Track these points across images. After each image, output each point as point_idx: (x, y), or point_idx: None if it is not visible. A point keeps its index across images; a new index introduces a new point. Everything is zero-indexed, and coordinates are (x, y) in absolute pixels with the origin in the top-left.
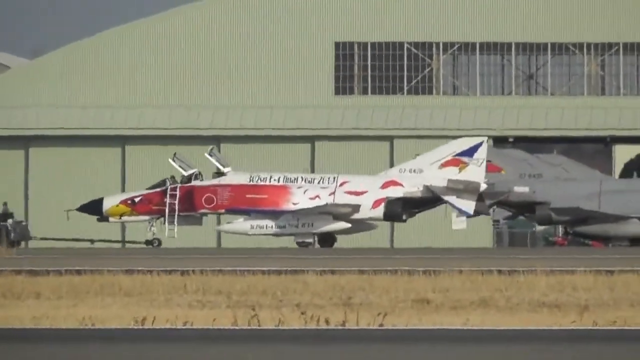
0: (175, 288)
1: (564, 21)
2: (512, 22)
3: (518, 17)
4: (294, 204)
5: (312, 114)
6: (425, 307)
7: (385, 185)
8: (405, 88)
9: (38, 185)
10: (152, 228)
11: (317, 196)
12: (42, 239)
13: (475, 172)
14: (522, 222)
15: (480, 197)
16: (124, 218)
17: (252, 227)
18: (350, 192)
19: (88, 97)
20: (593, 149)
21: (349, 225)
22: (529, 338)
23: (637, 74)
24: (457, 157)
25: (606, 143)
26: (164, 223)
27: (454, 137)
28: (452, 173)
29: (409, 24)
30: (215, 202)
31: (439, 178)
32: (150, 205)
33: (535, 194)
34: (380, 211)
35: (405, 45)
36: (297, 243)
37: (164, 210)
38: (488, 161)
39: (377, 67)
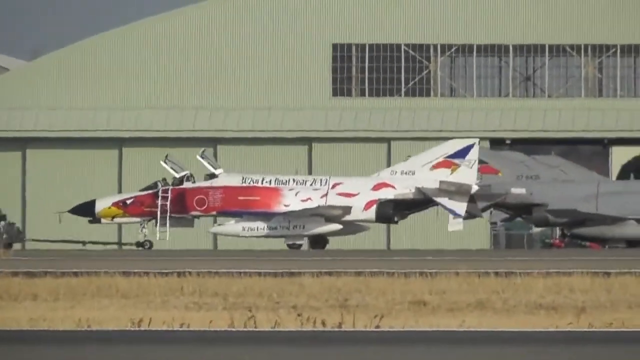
0: (172, 290)
1: (561, 23)
2: (509, 24)
3: (515, 20)
4: (285, 205)
5: (310, 115)
6: (421, 309)
7: (377, 187)
8: (403, 90)
9: (35, 187)
10: (144, 230)
11: (309, 198)
12: (32, 240)
13: (467, 174)
14: (519, 224)
15: (472, 199)
16: (116, 220)
17: (243, 229)
18: (342, 194)
19: (85, 99)
20: (590, 151)
21: (341, 227)
22: (525, 340)
23: (634, 76)
24: (448, 159)
25: (603, 145)
26: (156, 225)
27: (452, 139)
28: (444, 175)
29: (406, 26)
30: (206, 204)
31: (430, 180)
32: (142, 207)
33: (533, 196)
34: (371, 213)
35: (403, 47)
36: (288, 245)
37: (156, 212)
38: (485, 163)
39: (375, 69)
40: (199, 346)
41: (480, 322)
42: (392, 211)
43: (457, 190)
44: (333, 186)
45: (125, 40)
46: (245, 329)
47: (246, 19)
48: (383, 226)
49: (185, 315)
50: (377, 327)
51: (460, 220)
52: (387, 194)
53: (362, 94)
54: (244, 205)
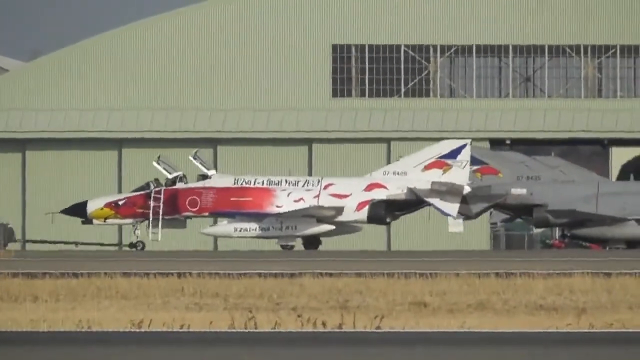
0: (172, 291)
1: (561, 24)
2: (509, 25)
3: (515, 20)
4: (277, 206)
5: (310, 116)
6: (422, 310)
7: (369, 188)
8: (403, 90)
9: (35, 188)
10: (137, 231)
11: (302, 199)
12: (25, 241)
13: (459, 175)
14: (519, 225)
15: (464, 200)
16: (109, 221)
17: (235, 229)
18: (334, 195)
19: (85, 100)
20: (590, 151)
21: (333, 227)
22: (526, 341)
23: (634, 76)
24: (440, 160)
25: (603, 145)
26: (149, 226)
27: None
28: (436, 175)
29: (406, 27)
30: (199, 205)
31: (422, 180)
32: (134, 208)
33: (533, 197)
34: (364, 214)
35: (403, 47)
36: (281, 246)
37: (148, 213)
38: (485, 164)
39: (375, 70)
40: (200, 347)
41: (481, 323)
42: (384, 212)
43: (449, 191)
44: (325, 187)
45: (124, 41)
46: (245, 330)
47: (246, 20)
48: (383, 227)
49: (186, 316)
50: (378, 328)
51: (461, 221)
52: (379, 194)
53: (362, 94)
54: (237, 206)
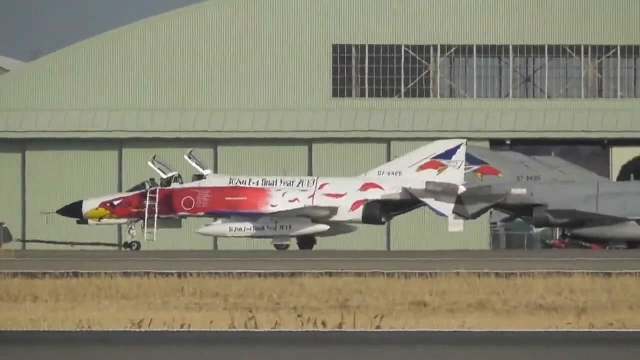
0: (173, 291)
1: (561, 24)
2: (509, 25)
3: (515, 20)
4: (272, 206)
5: (310, 116)
6: (422, 310)
7: (364, 188)
8: (403, 91)
9: (35, 189)
10: (132, 231)
11: (296, 199)
12: (20, 241)
13: (454, 175)
14: (519, 225)
15: (460, 200)
16: (104, 221)
17: (230, 229)
18: (329, 195)
19: (85, 100)
20: (590, 152)
21: (328, 227)
22: (526, 341)
23: (634, 76)
24: (436, 160)
25: (603, 146)
26: (144, 226)
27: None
28: (431, 175)
29: (406, 27)
30: (194, 205)
31: (417, 180)
32: (129, 208)
33: (533, 197)
34: (359, 214)
35: (403, 48)
36: (275, 246)
37: (144, 213)
38: (485, 164)
39: (375, 70)
40: (200, 347)
41: (481, 322)
42: (379, 212)
43: (444, 191)
44: (320, 187)
45: (125, 41)
46: (245, 330)
47: (246, 20)
48: (383, 227)
49: (186, 316)
50: (378, 327)
51: (461, 221)
52: (374, 194)
53: (362, 94)
54: (232, 206)
